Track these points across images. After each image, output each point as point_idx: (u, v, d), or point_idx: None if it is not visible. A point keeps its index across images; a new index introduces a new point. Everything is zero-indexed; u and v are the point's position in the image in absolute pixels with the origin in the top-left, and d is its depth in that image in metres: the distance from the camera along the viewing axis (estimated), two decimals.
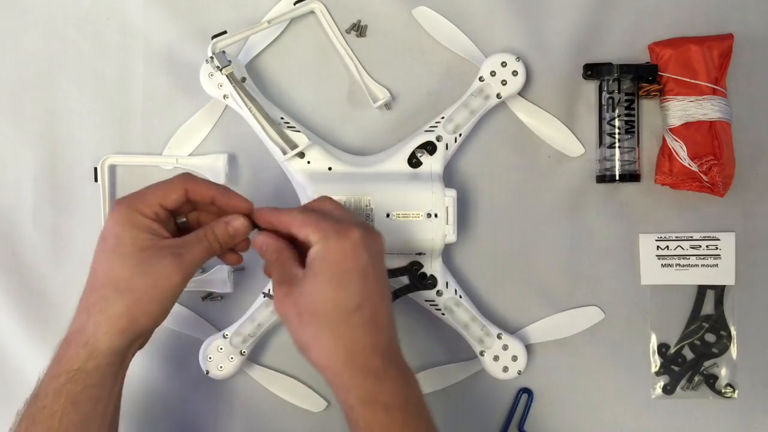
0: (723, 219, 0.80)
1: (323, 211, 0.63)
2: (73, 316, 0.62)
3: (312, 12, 0.81)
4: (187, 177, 0.65)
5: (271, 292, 0.76)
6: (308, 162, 0.76)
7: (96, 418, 0.60)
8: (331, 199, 0.66)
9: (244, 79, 0.77)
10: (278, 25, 0.80)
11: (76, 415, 0.58)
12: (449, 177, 0.80)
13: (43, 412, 0.58)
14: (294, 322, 0.60)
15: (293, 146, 0.75)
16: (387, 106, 0.80)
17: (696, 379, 0.80)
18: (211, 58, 0.74)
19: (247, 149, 0.81)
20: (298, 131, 0.75)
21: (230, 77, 0.75)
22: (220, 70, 0.74)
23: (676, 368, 0.81)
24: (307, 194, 0.74)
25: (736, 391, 0.80)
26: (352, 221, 0.62)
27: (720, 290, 0.80)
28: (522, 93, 0.80)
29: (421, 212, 0.74)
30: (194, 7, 0.82)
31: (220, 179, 0.79)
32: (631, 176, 0.79)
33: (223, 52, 0.75)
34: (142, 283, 0.59)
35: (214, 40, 0.75)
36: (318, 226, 0.60)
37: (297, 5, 0.80)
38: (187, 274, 0.61)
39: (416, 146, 0.77)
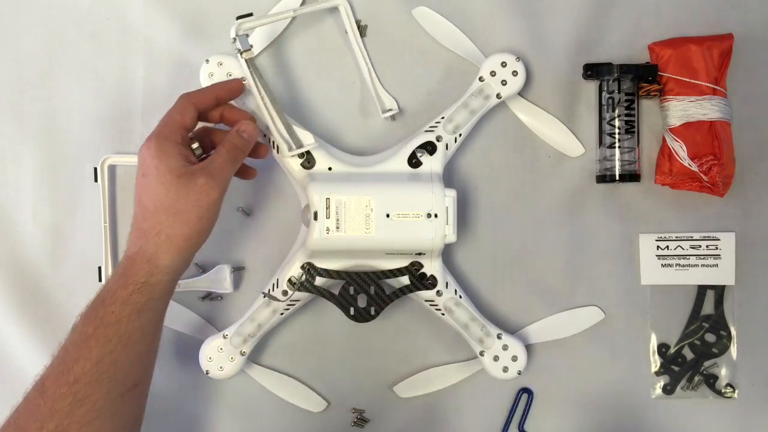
0: (723, 219, 0.80)
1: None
2: (128, 243, 0.68)
3: (329, 9, 0.81)
4: (187, 95, 0.71)
5: (271, 292, 0.76)
6: (308, 162, 0.76)
7: (152, 325, 0.68)
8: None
9: (243, 79, 0.77)
10: (278, 25, 0.80)
11: (139, 322, 0.66)
12: (449, 177, 0.80)
13: (111, 316, 0.65)
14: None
15: (298, 143, 0.75)
16: (393, 117, 0.81)
17: (696, 379, 0.80)
18: (234, 39, 0.73)
19: None
20: (303, 129, 0.75)
21: (249, 63, 0.74)
22: (241, 53, 0.74)
23: (676, 368, 0.81)
24: (306, 194, 0.74)
25: (736, 391, 0.80)
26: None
27: (720, 290, 0.80)
28: (522, 93, 0.80)
29: (421, 212, 0.74)
30: (194, 7, 0.82)
31: None
32: (631, 176, 0.79)
33: (246, 35, 0.74)
34: (187, 203, 0.66)
35: (239, 21, 0.74)
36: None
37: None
38: (222, 187, 0.68)
39: (416, 146, 0.77)
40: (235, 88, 0.74)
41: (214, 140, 0.74)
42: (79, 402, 0.62)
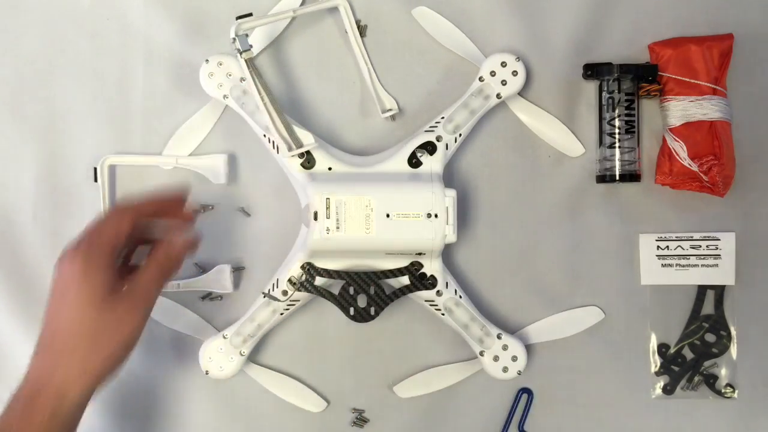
0: (723, 219, 0.80)
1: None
2: (34, 361, 0.64)
3: (329, 10, 0.81)
4: (124, 207, 0.68)
5: (271, 292, 0.76)
6: (308, 162, 0.76)
7: None
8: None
9: (243, 79, 0.77)
10: (277, 25, 0.80)
11: None
12: (449, 177, 0.80)
13: None
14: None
15: (298, 143, 0.75)
16: (393, 117, 0.80)
17: (696, 379, 0.80)
18: (234, 39, 0.74)
19: (247, 149, 0.81)
20: (303, 129, 0.76)
21: (249, 63, 0.74)
22: (241, 53, 0.74)
23: (676, 368, 0.81)
24: (306, 194, 0.74)
25: (736, 391, 0.80)
26: None
27: (720, 290, 0.80)
28: (522, 93, 0.80)
29: (421, 212, 0.74)
30: (194, 7, 0.82)
31: (221, 179, 0.79)
32: (631, 176, 0.79)
33: (246, 35, 0.75)
34: (105, 331, 0.63)
35: (239, 21, 0.74)
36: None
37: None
38: (145, 312, 0.66)
39: (416, 146, 0.77)
40: (177, 205, 0.70)
41: (146, 237, 0.70)
42: None
